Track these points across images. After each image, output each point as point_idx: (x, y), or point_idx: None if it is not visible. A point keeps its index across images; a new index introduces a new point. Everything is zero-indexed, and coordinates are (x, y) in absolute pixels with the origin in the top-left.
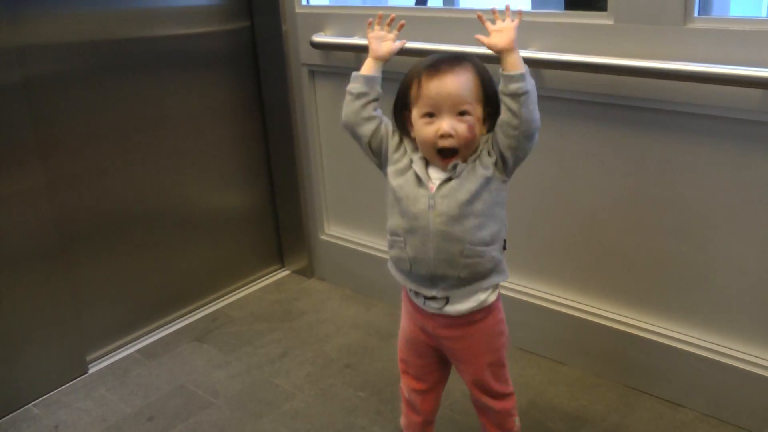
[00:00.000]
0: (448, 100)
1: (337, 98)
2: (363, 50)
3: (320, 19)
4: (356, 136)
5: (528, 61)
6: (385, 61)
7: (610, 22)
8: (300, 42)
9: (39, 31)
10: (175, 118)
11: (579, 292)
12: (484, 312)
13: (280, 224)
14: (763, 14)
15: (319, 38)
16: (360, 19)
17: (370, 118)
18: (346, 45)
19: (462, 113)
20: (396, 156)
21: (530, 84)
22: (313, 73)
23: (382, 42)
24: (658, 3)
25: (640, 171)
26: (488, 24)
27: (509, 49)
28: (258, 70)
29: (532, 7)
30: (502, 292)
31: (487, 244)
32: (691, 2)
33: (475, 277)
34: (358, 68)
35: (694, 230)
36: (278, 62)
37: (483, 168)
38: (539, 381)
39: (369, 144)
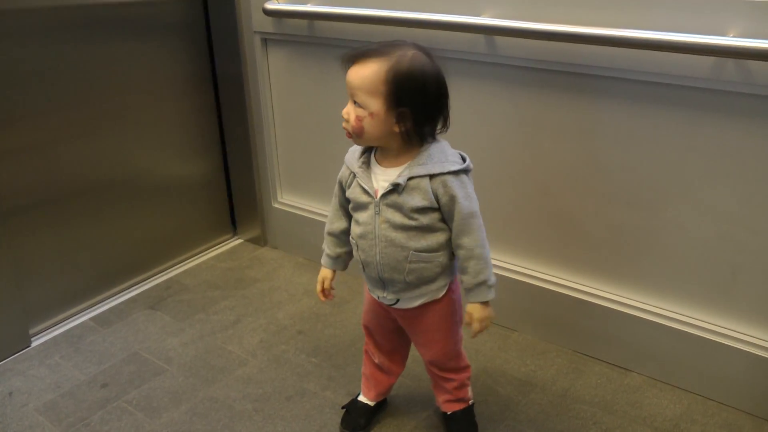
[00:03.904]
0: (349, 87)
1: (290, 66)
2: (316, 17)
3: None
4: None
5: (481, 28)
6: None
7: None
8: (252, 9)
9: None
10: (126, 87)
11: (530, 259)
12: (435, 301)
13: (232, 193)
14: None
15: (271, 5)
16: None
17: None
18: (299, 12)
19: (356, 103)
20: (349, 179)
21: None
22: (266, 41)
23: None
24: None
25: (591, 138)
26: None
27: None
28: (210, 39)
29: None
30: None
31: (433, 251)
32: None
33: (422, 281)
34: (311, 36)
35: (644, 197)
36: (230, 30)
37: (423, 200)
38: (490, 347)
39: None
